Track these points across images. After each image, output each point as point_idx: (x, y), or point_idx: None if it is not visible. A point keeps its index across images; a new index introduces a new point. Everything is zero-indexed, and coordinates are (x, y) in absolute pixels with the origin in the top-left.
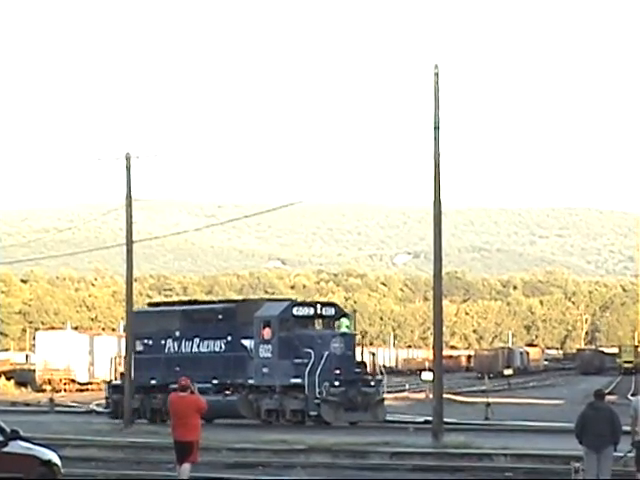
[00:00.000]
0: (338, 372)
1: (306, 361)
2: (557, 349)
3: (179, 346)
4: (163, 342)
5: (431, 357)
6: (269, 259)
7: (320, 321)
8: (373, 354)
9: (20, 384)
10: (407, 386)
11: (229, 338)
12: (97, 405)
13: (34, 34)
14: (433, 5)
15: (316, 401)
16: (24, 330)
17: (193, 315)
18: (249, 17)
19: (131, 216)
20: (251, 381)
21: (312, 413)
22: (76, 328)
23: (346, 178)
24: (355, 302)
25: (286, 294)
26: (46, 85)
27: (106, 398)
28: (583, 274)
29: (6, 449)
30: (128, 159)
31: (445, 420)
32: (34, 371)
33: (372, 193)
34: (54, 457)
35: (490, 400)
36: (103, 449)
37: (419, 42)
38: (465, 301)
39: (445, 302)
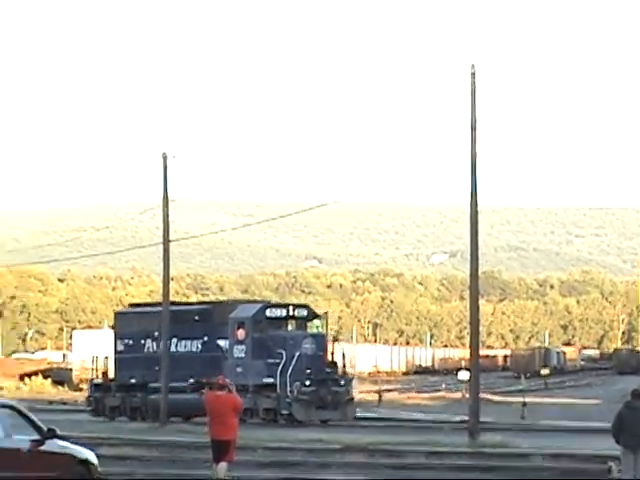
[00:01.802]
0: (309, 372)
1: (278, 361)
2: (594, 349)
3: (157, 346)
4: (143, 342)
5: (467, 356)
6: (306, 258)
7: (293, 322)
8: (344, 355)
9: (57, 383)
10: (443, 386)
11: (205, 338)
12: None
13: (76, 38)
14: (470, 5)
15: (288, 400)
16: (61, 329)
17: (172, 316)
18: (285, 17)
19: (168, 215)
20: (227, 380)
21: (284, 412)
22: (113, 327)
23: (383, 177)
24: (392, 302)
25: (323, 294)
26: (83, 85)
27: (88, 396)
28: (620, 274)
29: (43, 448)
30: (165, 158)
31: (481, 420)
32: (71, 370)
33: (409, 192)
34: (91, 456)
35: (526, 400)
36: (139, 448)
37: (456, 42)
38: (502, 300)
39: (482, 301)
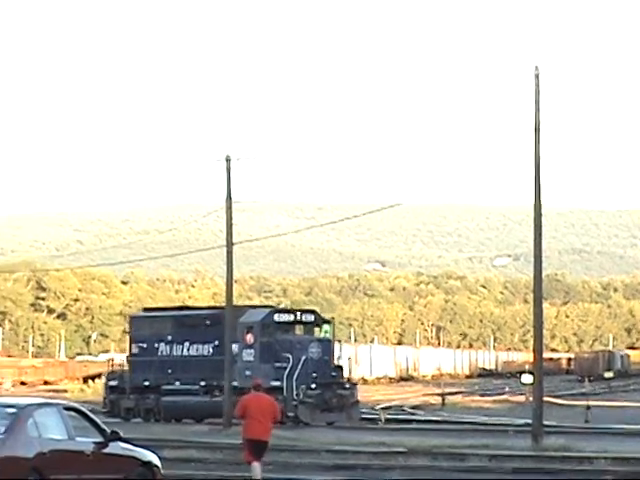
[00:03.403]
0: (315, 375)
1: (285, 365)
2: None
3: (171, 349)
4: (156, 345)
5: (531, 360)
6: (369, 261)
7: (300, 327)
8: (349, 359)
9: None
10: (507, 389)
11: (216, 342)
12: None
13: (141, 41)
14: (534, 7)
15: (294, 402)
16: (124, 332)
17: (184, 320)
18: (356, 19)
19: (231, 218)
20: (235, 383)
21: (290, 414)
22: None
23: (446, 180)
24: (455, 304)
25: (385, 296)
26: (148, 88)
27: (104, 398)
28: None
29: (106, 450)
30: (228, 161)
31: (545, 423)
32: None
33: (472, 195)
34: (154, 458)
35: (590, 403)
36: (202, 450)
37: (520, 44)
38: (565, 304)
39: (545, 305)
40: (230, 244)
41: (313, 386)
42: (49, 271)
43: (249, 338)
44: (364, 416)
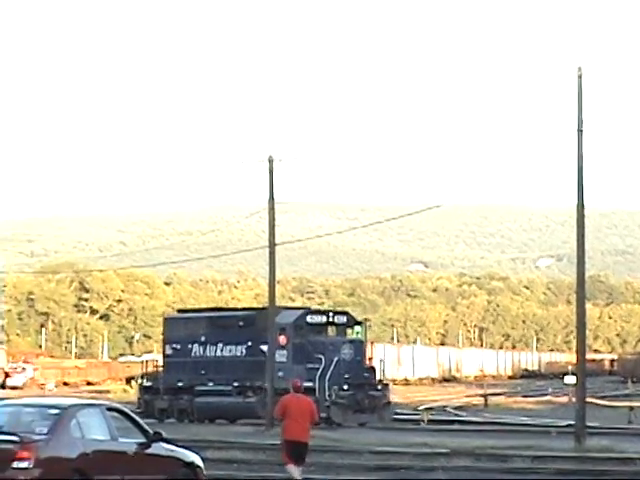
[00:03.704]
0: (347, 376)
1: (317, 366)
2: None
3: (204, 350)
4: (190, 346)
5: (574, 361)
6: (411, 262)
7: (333, 328)
8: (381, 360)
9: None
10: (550, 390)
11: (249, 343)
12: None
13: (180, 42)
14: (577, 7)
15: (326, 403)
16: None
17: (217, 322)
18: (394, 22)
19: (274, 219)
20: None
21: (322, 415)
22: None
23: (489, 180)
24: (498, 305)
25: (428, 297)
26: (189, 88)
27: (138, 399)
28: None
29: (149, 451)
30: (271, 162)
31: (588, 424)
32: None
33: (515, 195)
34: (197, 459)
35: (633, 404)
36: (245, 451)
37: (563, 45)
38: (608, 304)
39: (588, 305)
40: (273, 245)
41: (345, 387)
42: (92, 272)
43: (282, 339)
44: (407, 417)
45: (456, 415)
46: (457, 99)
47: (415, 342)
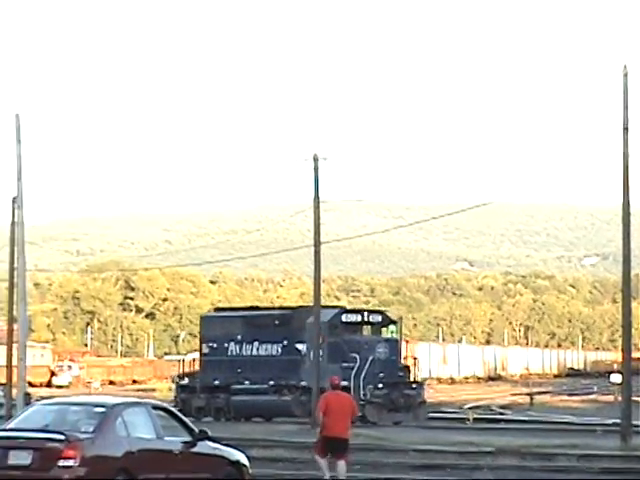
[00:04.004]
0: (382, 375)
1: (352, 365)
2: None
3: (240, 349)
4: (226, 345)
5: (620, 359)
6: (456, 260)
7: (368, 327)
8: (415, 358)
9: None
10: (595, 388)
11: (285, 342)
12: None
13: (233, 43)
14: (622, 5)
15: (361, 402)
16: None
17: (253, 320)
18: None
19: (319, 217)
20: (303, 383)
21: (358, 414)
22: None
23: (535, 179)
24: (543, 304)
25: (473, 296)
26: (233, 87)
27: (175, 397)
28: None
29: (194, 449)
30: (316, 160)
31: (634, 423)
32: None
33: (561, 194)
34: (242, 458)
35: None
36: (291, 450)
37: (608, 43)
38: None
39: (634, 304)
40: (318, 244)
41: (380, 386)
42: (138, 271)
43: None
44: (453, 416)
45: (501, 414)
46: (505, 98)
47: (460, 341)
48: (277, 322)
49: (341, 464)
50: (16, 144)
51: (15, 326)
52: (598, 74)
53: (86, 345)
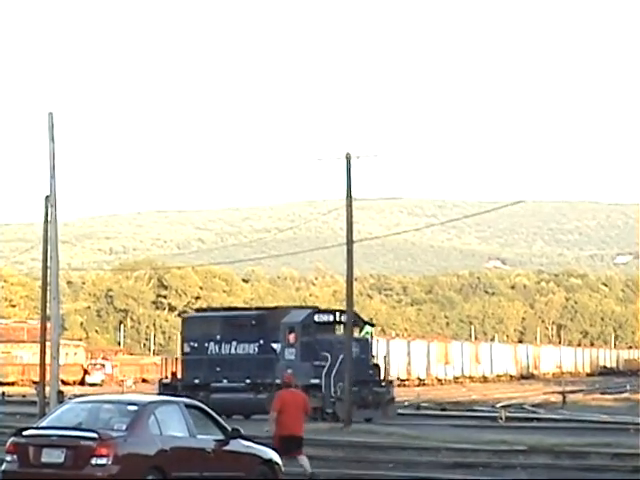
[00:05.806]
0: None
1: (324, 363)
2: None
3: (220, 348)
4: (206, 345)
5: None
6: (489, 259)
7: (340, 327)
8: (385, 357)
9: None
10: (628, 387)
11: (261, 342)
12: None
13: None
14: None
15: (332, 399)
16: None
17: (232, 321)
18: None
19: (351, 216)
20: (278, 381)
21: (328, 410)
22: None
23: (567, 177)
24: (576, 302)
25: (506, 294)
26: (267, 85)
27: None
28: None
29: (227, 447)
30: (349, 159)
31: None
32: None
33: (593, 192)
34: (275, 456)
35: None
36: (323, 448)
37: (637, 43)
38: None
39: None
40: (350, 242)
41: None
42: (170, 269)
43: (291, 338)
44: (485, 414)
45: (534, 412)
46: (539, 98)
47: (493, 339)
48: (254, 322)
49: (302, 457)
50: (49, 142)
51: (48, 324)
52: (628, 75)
53: (119, 343)
